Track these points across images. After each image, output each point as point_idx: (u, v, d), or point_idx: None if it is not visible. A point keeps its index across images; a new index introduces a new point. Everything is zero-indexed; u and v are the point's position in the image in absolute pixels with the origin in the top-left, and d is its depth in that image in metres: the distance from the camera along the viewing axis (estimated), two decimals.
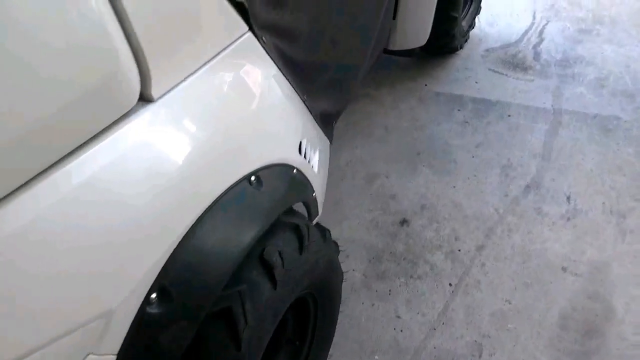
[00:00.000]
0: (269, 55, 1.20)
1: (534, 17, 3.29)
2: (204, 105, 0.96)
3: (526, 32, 3.15)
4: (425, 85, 2.77)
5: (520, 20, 3.28)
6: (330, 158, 2.39)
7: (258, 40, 1.14)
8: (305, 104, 1.49)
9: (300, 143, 1.37)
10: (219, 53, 1.00)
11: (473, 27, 2.99)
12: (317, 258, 1.25)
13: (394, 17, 2.32)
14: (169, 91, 0.87)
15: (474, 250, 1.97)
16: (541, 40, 3.07)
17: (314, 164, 1.54)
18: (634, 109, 2.55)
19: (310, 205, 1.47)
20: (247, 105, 1.09)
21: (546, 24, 3.22)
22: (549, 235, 2.00)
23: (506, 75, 2.81)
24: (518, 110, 2.58)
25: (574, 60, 2.90)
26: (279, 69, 1.26)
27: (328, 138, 1.85)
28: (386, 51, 2.48)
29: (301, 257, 1.16)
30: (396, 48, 2.46)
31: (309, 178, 1.43)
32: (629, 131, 2.42)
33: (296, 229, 1.18)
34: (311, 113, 1.56)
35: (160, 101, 0.85)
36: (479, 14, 3.01)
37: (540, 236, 2.00)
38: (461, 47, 2.93)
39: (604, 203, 2.10)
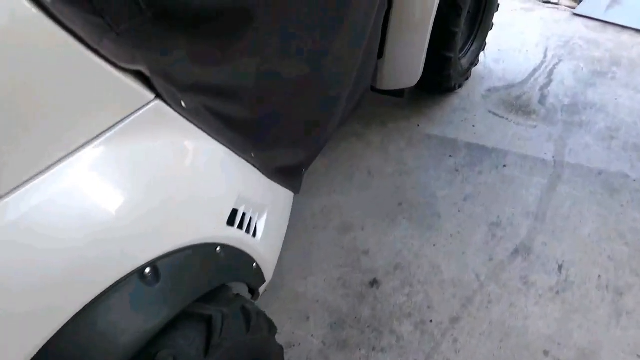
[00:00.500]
0: (188, 119, 1.05)
1: (545, 55, 3.08)
2: (77, 196, 0.81)
3: (534, 71, 2.94)
4: (418, 125, 2.58)
5: (529, 57, 3.07)
6: (304, 202, 2.24)
7: (172, 106, 0.98)
8: (253, 162, 1.34)
9: (234, 212, 1.22)
10: (103, 132, 0.85)
11: (476, 64, 2.80)
12: (234, 354, 1.08)
13: (381, 56, 2.15)
14: (20, 186, 0.72)
15: (447, 323, 1.77)
16: (550, 82, 2.85)
17: (258, 229, 1.38)
18: None
19: (250, 278, 1.31)
20: (141, 186, 0.93)
21: (557, 63, 3.00)
22: (534, 310, 1.79)
23: (507, 119, 2.61)
24: (515, 160, 2.37)
25: (583, 106, 2.68)
26: (207, 131, 1.11)
27: (292, 189, 1.69)
28: (374, 90, 2.31)
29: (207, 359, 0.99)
30: (384, 88, 2.29)
31: (246, 249, 1.27)
32: (637, 193, 2.19)
33: (208, 321, 1.02)
34: (262, 170, 1.40)
35: (9, 198, 0.70)
36: (484, 49, 2.82)
37: (524, 311, 1.79)
38: (460, 86, 2.74)
39: (599, 276, 1.88)
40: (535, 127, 2.55)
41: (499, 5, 2.71)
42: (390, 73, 2.22)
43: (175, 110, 1.00)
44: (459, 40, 2.39)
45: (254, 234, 1.35)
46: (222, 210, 1.17)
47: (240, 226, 1.25)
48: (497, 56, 3.06)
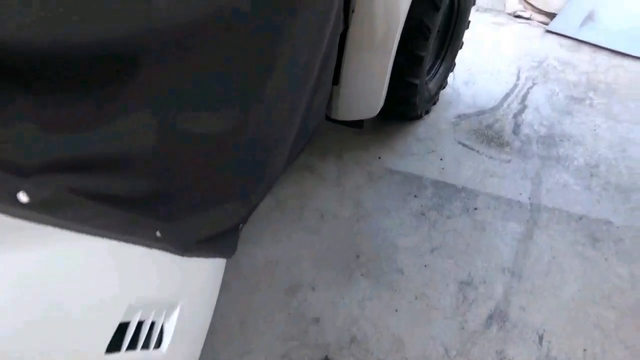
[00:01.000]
0: (35, 218, 0.69)
1: (518, 77, 2.82)
2: None
3: (507, 95, 2.68)
4: (379, 158, 2.27)
5: (501, 79, 2.81)
6: (245, 253, 1.89)
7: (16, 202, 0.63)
8: (159, 245, 0.99)
9: (123, 326, 0.88)
10: None
11: (444, 87, 2.52)
12: None
13: (336, 82, 1.83)
14: None
15: None
16: (524, 108, 2.60)
17: (165, 336, 1.04)
18: (628, 210, 2.08)
19: None
20: None
21: (531, 87, 2.76)
22: None
23: (478, 151, 2.33)
24: (487, 201, 2.09)
25: (560, 138, 2.43)
26: (75, 225, 0.76)
27: (224, 255, 1.35)
28: (329, 119, 1.99)
29: None
30: (339, 118, 1.97)
31: None
32: (621, 242, 1.95)
33: None
34: (175, 249, 1.05)
35: None
36: (452, 71, 2.54)
37: None
38: (427, 113, 2.45)
39: (585, 350, 1.62)
40: (509, 161, 2.29)
41: (469, 22, 2.44)
42: (346, 103, 1.91)
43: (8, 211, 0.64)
44: (426, 64, 2.09)
45: (158, 344, 1.01)
46: (99, 337, 0.82)
47: (133, 343, 0.91)
48: (466, 78, 2.79)
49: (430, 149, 2.33)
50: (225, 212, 1.28)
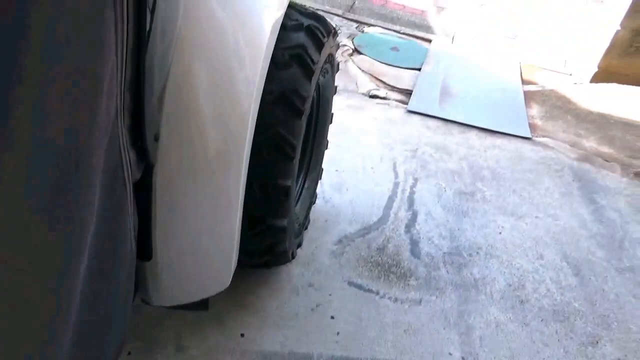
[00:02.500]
0: None
1: (396, 173, 2.30)
2: None
3: (390, 200, 2.11)
4: (242, 335, 1.46)
5: (378, 178, 2.25)
6: None
7: None
8: None
9: None
10: None
11: (314, 203, 1.85)
12: None
13: (148, 257, 1.02)
14: None
15: None
16: (414, 215, 2.05)
17: None
18: (580, 349, 1.57)
19: None
20: None
21: (414, 185, 2.24)
22: None
23: (377, 293, 1.66)
24: None
25: (468, 251, 1.90)
26: None
27: None
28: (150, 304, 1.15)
29: None
30: (166, 304, 1.15)
31: None
32: None
33: None
34: None
35: None
36: (320, 179, 1.90)
37: None
38: (299, 247, 1.73)
39: None
40: (419, 302, 1.65)
41: (332, 115, 1.85)
42: (169, 284, 1.09)
43: None
44: (293, 193, 1.39)
45: None
46: None
47: None
48: (337, 180, 2.17)
49: (314, 302, 1.59)
50: None
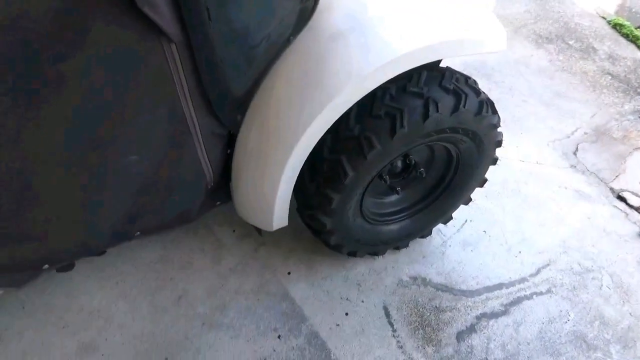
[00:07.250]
0: None
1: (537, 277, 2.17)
2: None
3: (509, 284, 2.08)
4: (289, 274, 1.98)
5: (514, 266, 2.19)
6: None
7: None
8: None
9: None
10: None
11: (426, 236, 2.06)
12: None
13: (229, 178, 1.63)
14: None
15: None
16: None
17: None
18: None
19: None
20: None
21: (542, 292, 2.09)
22: None
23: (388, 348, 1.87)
24: None
25: None
26: None
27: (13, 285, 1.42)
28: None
29: None
30: (240, 216, 1.77)
31: None
32: None
33: None
34: None
35: None
36: (445, 222, 2.07)
37: None
38: (375, 255, 2.04)
39: None
40: None
41: (496, 159, 1.91)
42: (240, 204, 1.71)
43: None
44: (344, 206, 1.72)
45: None
46: None
47: None
48: (469, 238, 2.24)
49: (344, 309, 1.92)
50: (21, 249, 1.29)
